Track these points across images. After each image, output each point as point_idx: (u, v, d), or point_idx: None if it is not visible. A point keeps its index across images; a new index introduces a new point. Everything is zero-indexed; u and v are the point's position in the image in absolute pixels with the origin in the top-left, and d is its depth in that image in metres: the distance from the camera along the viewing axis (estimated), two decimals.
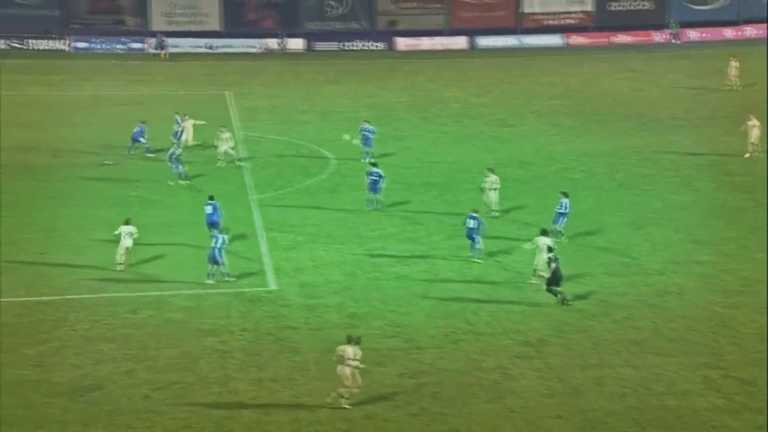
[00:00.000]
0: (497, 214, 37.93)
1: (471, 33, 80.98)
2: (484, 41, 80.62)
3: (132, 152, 46.27)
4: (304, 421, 23.51)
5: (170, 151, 42.96)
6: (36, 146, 48.41)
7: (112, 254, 32.92)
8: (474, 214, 33.84)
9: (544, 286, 30.32)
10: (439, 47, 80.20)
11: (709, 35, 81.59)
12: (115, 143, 47.44)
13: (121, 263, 32.73)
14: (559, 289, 29.99)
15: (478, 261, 33.58)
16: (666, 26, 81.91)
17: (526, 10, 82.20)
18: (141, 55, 76.61)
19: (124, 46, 78.13)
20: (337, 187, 42.51)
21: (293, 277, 32.40)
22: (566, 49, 79.96)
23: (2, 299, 30.25)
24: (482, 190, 38.57)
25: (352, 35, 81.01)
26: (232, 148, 45.60)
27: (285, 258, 34.06)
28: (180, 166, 42.34)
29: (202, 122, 48.35)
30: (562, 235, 35.18)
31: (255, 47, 79.25)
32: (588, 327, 28.72)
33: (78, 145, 48.53)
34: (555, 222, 35.43)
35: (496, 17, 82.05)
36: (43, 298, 30.54)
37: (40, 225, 37.18)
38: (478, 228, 33.63)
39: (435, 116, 56.58)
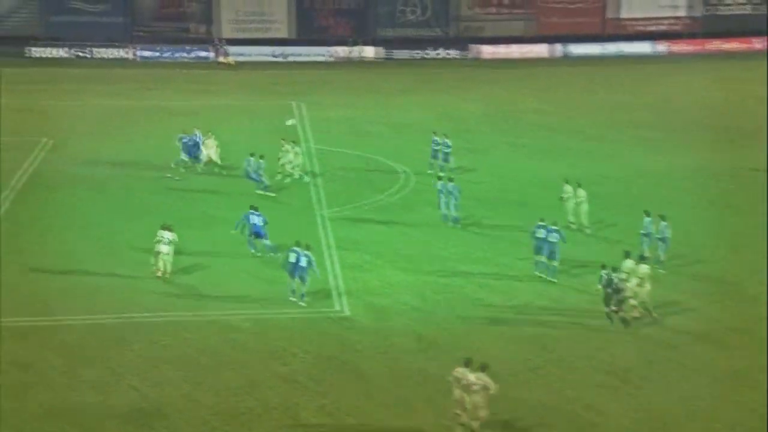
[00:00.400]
0: (589, 231, 38.02)
1: (554, 40, 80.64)
2: (569, 49, 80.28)
3: (183, 165, 46.52)
4: None
5: (247, 168, 43.61)
6: (97, 158, 49.28)
7: (179, 275, 33.29)
8: (548, 225, 33.63)
9: (606, 308, 30.03)
10: (517, 55, 79.93)
11: None
12: (177, 155, 48.02)
13: (159, 269, 33.49)
14: (615, 308, 29.68)
15: (553, 280, 33.35)
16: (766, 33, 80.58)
17: (613, 15, 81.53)
18: (207, 63, 77.79)
19: (190, 55, 79.36)
20: (410, 204, 42.50)
21: (361, 298, 32.44)
22: (656, 57, 79.17)
23: (61, 319, 30.78)
24: (564, 200, 38.84)
25: (428, 42, 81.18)
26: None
27: (353, 278, 34.12)
28: (261, 179, 43.27)
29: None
30: (658, 262, 34.42)
31: (325, 55, 79.88)
32: (678, 356, 28.22)
33: (139, 156, 49.28)
34: (644, 244, 34.88)
35: (581, 23, 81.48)
36: (102, 317, 30.97)
37: (100, 239, 37.77)
38: (553, 242, 33.42)
39: (513, 128, 56.41)
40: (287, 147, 45.84)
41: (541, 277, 33.73)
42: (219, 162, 46.74)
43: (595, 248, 36.30)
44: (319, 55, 79.91)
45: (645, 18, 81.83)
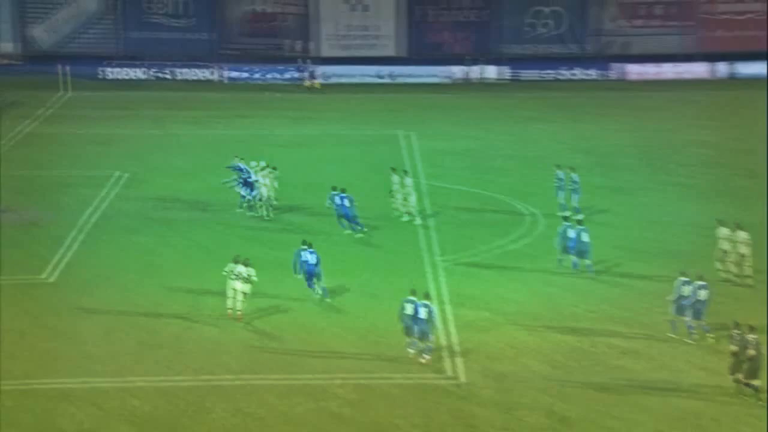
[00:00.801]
0: (751, 281, 37.69)
1: (718, 58, 79.74)
2: (736, 68, 79.26)
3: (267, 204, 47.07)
4: None
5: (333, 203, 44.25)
6: (176, 195, 50.17)
7: (262, 326, 33.79)
8: (692, 280, 33.41)
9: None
10: (670, 76, 79.33)
11: None
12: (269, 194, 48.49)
13: (233, 309, 34.75)
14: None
15: (690, 342, 33.29)
16: None
17: None
18: (301, 86, 78.76)
19: (283, 75, 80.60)
20: (536, 251, 42.33)
21: (483, 365, 32.30)
22: None
23: (136, 381, 31.29)
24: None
25: (561, 61, 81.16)
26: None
27: (473, 340, 34.04)
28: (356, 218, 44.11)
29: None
30: None
31: (439, 76, 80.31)
32: None
33: (229, 195, 49.95)
34: None
35: (752, 38, 79.97)
36: (181, 380, 31.44)
37: (183, 291, 38.37)
38: (702, 300, 33.28)
39: (670, 164, 55.95)
40: (398, 179, 46.23)
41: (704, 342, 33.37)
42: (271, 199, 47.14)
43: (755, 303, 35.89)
44: (432, 75, 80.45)
45: None
